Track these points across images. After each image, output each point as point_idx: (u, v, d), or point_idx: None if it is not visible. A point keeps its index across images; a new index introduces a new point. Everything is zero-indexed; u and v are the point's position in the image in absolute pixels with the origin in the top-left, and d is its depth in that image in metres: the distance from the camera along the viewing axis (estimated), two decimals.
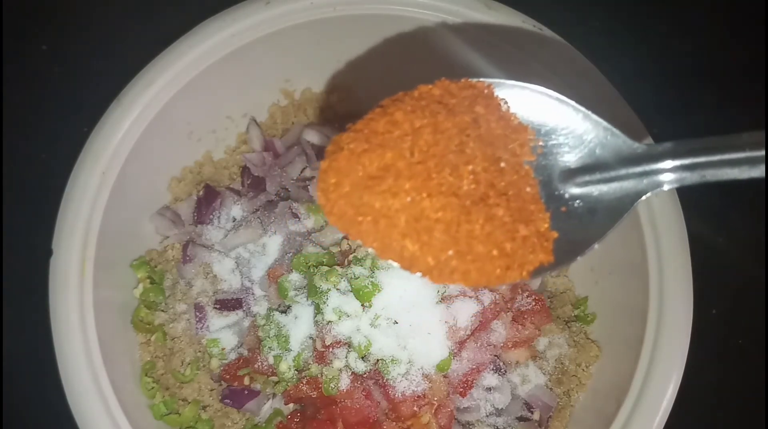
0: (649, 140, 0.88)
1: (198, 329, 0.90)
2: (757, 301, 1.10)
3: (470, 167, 0.55)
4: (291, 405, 0.87)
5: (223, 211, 0.97)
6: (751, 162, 0.50)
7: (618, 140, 0.58)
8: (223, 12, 0.93)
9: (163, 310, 0.93)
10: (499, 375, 0.87)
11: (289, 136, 1.04)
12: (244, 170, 1.01)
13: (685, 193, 0.87)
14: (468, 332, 0.82)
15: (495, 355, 0.87)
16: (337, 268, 0.81)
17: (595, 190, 0.57)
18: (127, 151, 0.87)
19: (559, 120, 0.58)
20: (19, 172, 1.10)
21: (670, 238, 0.85)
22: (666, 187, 0.54)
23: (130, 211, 0.92)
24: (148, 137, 0.89)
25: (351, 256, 0.81)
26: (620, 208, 0.56)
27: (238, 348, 0.89)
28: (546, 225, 0.57)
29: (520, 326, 0.87)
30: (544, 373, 0.93)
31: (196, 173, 1.03)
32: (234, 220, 0.96)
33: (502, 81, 0.59)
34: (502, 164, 0.56)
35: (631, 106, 0.90)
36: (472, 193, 0.55)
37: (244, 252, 0.92)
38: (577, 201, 0.58)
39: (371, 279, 0.79)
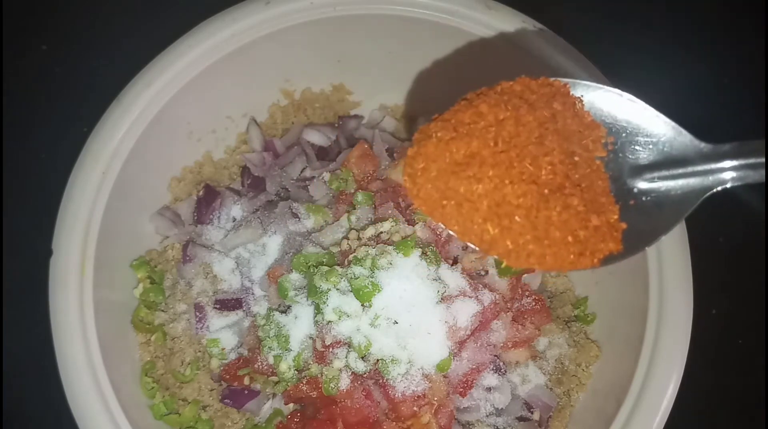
0: None
1: (198, 329, 0.90)
2: (757, 301, 1.10)
3: (548, 158, 0.59)
4: (291, 405, 0.87)
5: (223, 211, 0.97)
6: None
7: (685, 139, 0.60)
8: (223, 12, 0.93)
9: (163, 310, 0.93)
10: (499, 375, 0.87)
11: (289, 136, 1.04)
12: (244, 170, 1.01)
13: None
14: (468, 332, 0.82)
15: (495, 355, 0.86)
16: (337, 268, 0.81)
17: (662, 185, 0.60)
18: (127, 151, 0.87)
19: (630, 119, 0.62)
20: (19, 172, 1.10)
21: (670, 238, 0.85)
22: (729, 185, 0.58)
23: (130, 211, 0.92)
24: (148, 137, 0.89)
25: (351, 256, 0.81)
26: (686, 203, 0.59)
27: (238, 348, 0.89)
28: (616, 216, 0.60)
29: (520, 326, 0.87)
30: (544, 373, 0.93)
31: (196, 173, 1.03)
32: (234, 220, 0.96)
33: (578, 81, 0.63)
34: (577, 158, 0.60)
35: None
36: (549, 182, 0.58)
37: (244, 252, 0.92)
38: (645, 195, 0.61)
39: (371, 279, 0.79)
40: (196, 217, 0.97)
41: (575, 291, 1.01)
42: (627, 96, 0.63)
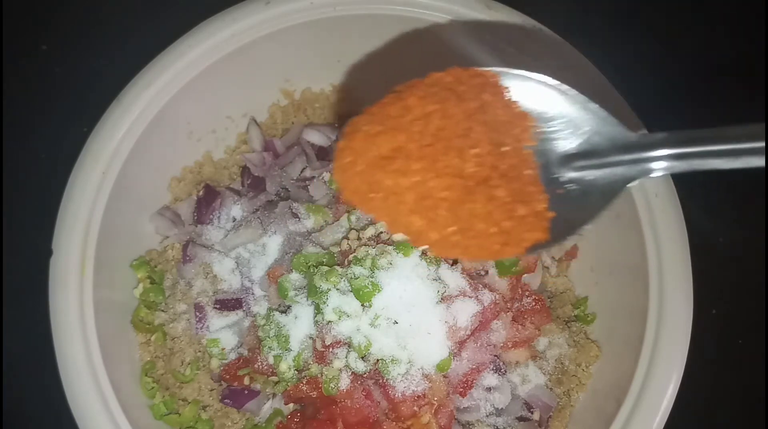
0: None
1: (198, 329, 0.90)
2: (757, 301, 1.10)
3: (475, 151, 0.59)
4: (291, 405, 0.87)
5: (223, 211, 0.97)
6: (734, 154, 0.53)
7: (614, 128, 0.60)
8: (223, 12, 0.93)
9: (163, 310, 0.93)
10: (499, 375, 0.87)
11: (289, 136, 1.04)
12: (244, 170, 1.01)
13: (685, 193, 0.87)
14: (468, 332, 0.82)
15: (495, 355, 0.86)
16: (337, 268, 0.81)
17: (590, 174, 0.60)
18: (127, 151, 0.87)
19: (559, 107, 0.61)
20: (19, 172, 1.10)
21: (670, 238, 0.85)
22: (655, 174, 0.57)
23: (130, 211, 0.92)
24: (148, 137, 0.89)
25: (351, 256, 0.81)
26: (612, 191, 0.59)
27: (238, 348, 0.89)
28: (544, 205, 0.60)
29: (520, 326, 0.87)
30: (544, 373, 0.93)
31: (196, 173, 1.03)
32: (234, 220, 0.96)
33: (507, 70, 0.62)
34: (506, 148, 0.60)
35: (631, 105, 0.91)
36: (475, 174, 0.58)
37: (244, 252, 0.92)
38: (573, 184, 0.61)
39: (371, 279, 0.79)
40: (196, 217, 0.97)
41: (575, 291, 1.01)
42: (556, 84, 0.62)
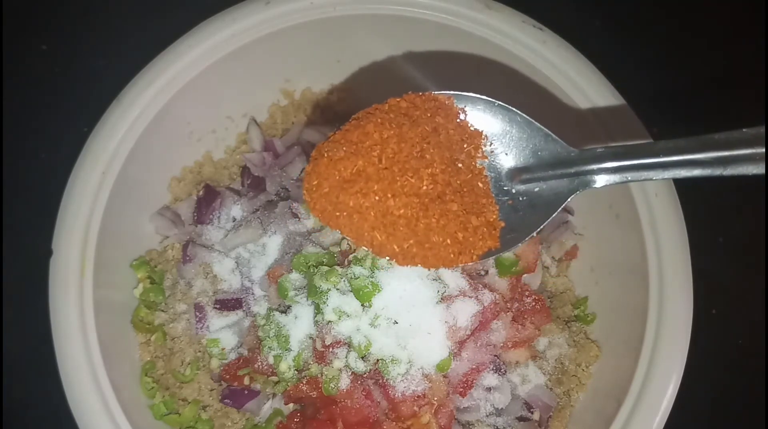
0: (648, 139, 0.89)
1: (198, 329, 0.90)
2: (757, 301, 1.10)
3: (429, 170, 0.65)
4: (291, 405, 0.87)
5: (223, 211, 0.97)
6: (664, 166, 0.58)
7: (556, 145, 0.66)
8: (223, 12, 0.93)
9: (163, 310, 0.93)
10: (499, 375, 0.87)
11: (289, 136, 1.04)
12: (244, 170, 1.01)
13: (685, 193, 0.87)
14: (468, 332, 0.82)
15: (495, 355, 0.86)
16: (337, 268, 0.81)
17: (536, 187, 0.66)
18: (127, 151, 0.87)
19: (506, 126, 0.68)
20: (19, 172, 1.10)
21: (670, 238, 0.85)
22: (594, 186, 0.63)
23: (130, 211, 0.92)
24: (148, 137, 0.89)
25: (351, 256, 0.81)
26: (555, 202, 0.65)
27: (238, 348, 0.89)
28: (495, 216, 0.67)
29: (520, 326, 0.87)
30: (544, 373, 0.93)
31: (196, 173, 1.03)
32: (234, 220, 0.96)
33: (460, 93, 0.69)
34: (459, 165, 0.66)
35: (631, 106, 0.91)
36: (430, 192, 0.65)
37: (244, 252, 0.92)
38: (522, 196, 0.67)
39: (371, 279, 0.79)
40: (196, 217, 0.97)
41: (575, 291, 1.01)
42: (503, 105, 0.68)
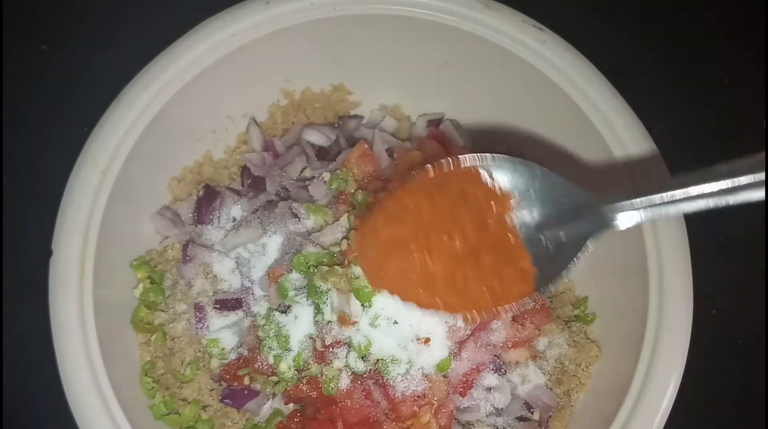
0: (650, 141, 0.89)
1: (198, 329, 0.90)
2: (757, 302, 1.10)
3: (460, 230, 0.72)
4: (291, 405, 0.87)
5: (223, 211, 0.97)
6: (676, 202, 0.63)
7: (578, 193, 0.72)
8: (223, 12, 0.93)
9: (163, 310, 0.93)
10: (499, 375, 0.87)
11: (289, 136, 1.04)
12: (244, 170, 1.01)
13: None
14: (468, 332, 0.82)
15: (495, 355, 0.86)
16: (337, 268, 0.81)
17: (562, 232, 0.72)
18: (127, 151, 0.87)
19: (529, 180, 0.73)
20: (19, 172, 1.10)
21: (670, 238, 0.85)
22: (615, 229, 0.68)
23: (130, 211, 0.92)
24: (148, 137, 0.89)
25: (351, 256, 0.81)
26: (580, 244, 0.70)
27: (238, 348, 0.89)
28: (527, 263, 0.73)
29: (520, 326, 0.87)
30: (544, 373, 0.93)
31: (196, 173, 1.03)
32: (234, 220, 0.96)
33: (487, 155, 0.74)
34: (489, 220, 0.73)
35: (631, 106, 0.91)
36: (462, 248, 0.72)
37: (244, 252, 0.92)
38: (550, 242, 0.72)
39: None
40: (196, 217, 0.97)
41: (575, 291, 1.01)
42: (522, 161, 0.73)
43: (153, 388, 0.89)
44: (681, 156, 0.87)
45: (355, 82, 1.08)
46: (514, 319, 0.87)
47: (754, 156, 0.59)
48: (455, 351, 0.81)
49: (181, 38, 0.91)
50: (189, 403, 0.89)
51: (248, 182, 1.00)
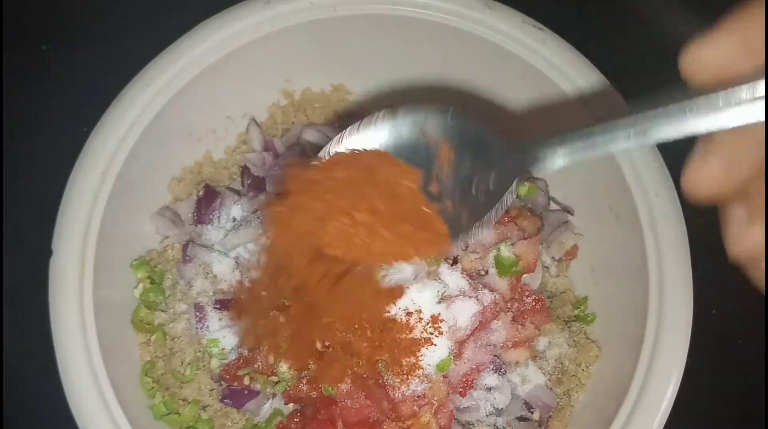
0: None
1: (198, 329, 0.90)
2: (757, 301, 1.10)
3: (367, 205, 0.73)
4: (291, 405, 0.87)
5: (223, 211, 0.97)
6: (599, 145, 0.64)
7: (504, 142, 0.72)
8: (223, 12, 0.93)
9: (163, 310, 0.93)
10: (499, 375, 0.87)
11: (289, 136, 1.04)
12: (244, 170, 1.01)
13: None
14: (468, 332, 0.82)
15: (495, 355, 0.86)
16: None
17: (491, 181, 0.73)
18: (127, 151, 0.87)
19: (462, 131, 0.74)
20: (19, 172, 1.10)
21: (670, 238, 0.85)
22: (542, 171, 0.68)
23: (130, 211, 0.92)
24: (148, 137, 0.89)
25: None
26: (504, 189, 0.71)
27: (238, 348, 0.89)
28: (442, 227, 0.74)
29: (520, 326, 0.87)
30: (544, 373, 0.93)
31: (196, 173, 1.03)
32: (234, 220, 0.96)
33: (411, 107, 0.75)
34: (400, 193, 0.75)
35: (631, 106, 0.91)
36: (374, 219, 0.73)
37: (244, 252, 0.92)
38: (480, 192, 0.74)
39: None
40: (196, 217, 0.97)
41: (575, 291, 1.01)
42: (455, 112, 0.74)
43: (153, 388, 0.89)
44: (683, 160, 0.87)
45: (355, 82, 1.08)
46: (514, 319, 0.87)
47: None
48: (455, 351, 0.81)
49: (181, 38, 0.91)
50: (189, 403, 0.89)
51: (248, 182, 1.00)
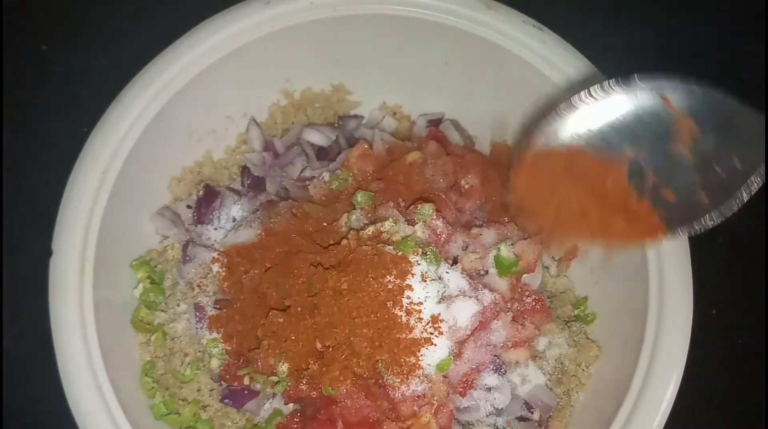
0: None
1: (198, 329, 0.90)
2: (757, 301, 1.10)
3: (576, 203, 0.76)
4: (291, 405, 0.87)
5: (223, 211, 0.97)
6: None
7: (756, 117, 0.71)
8: (223, 12, 0.93)
9: (163, 310, 0.93)
10: (499, 375, 0.87)
11: (289, 136, 1.04)
12: (244, 170, 1.01)
13: None
14: (468, 332, 0.82)
15: (495, 355, 0.86)
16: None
17: (736, 158, 0.71)
18: (127, 151, 0.87)
19: (707, 105, 0.72)
20: (19, 172, 1.10)
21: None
22: None
23: (130, 211, 0.92)
24: (148, 137, 0.89)
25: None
26: (751, 171, 0.70)
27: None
28: (650, 213, 0.74)
29: (520, 326, 0.87)
30: (544, 373, 0.93)
31: (196, 173, 1.03)
32: (234, 220, 0.96)
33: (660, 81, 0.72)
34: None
35: None
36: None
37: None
38: (723, 169, 0.72)
39: None
40: (196, 217, 0.97)
41: (575, 291, 1.01)
42: (703, 87, 0.71)
43: (153, 388, 0.89)
44: None
45: (355, 82, 1.08)
46: (514, 319, 0.87)
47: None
48: (455, 351, 0.81)
49: (181, 38, 0.91)
50: (189, 403, 0.89)
51: (248, 182, 1.00)
